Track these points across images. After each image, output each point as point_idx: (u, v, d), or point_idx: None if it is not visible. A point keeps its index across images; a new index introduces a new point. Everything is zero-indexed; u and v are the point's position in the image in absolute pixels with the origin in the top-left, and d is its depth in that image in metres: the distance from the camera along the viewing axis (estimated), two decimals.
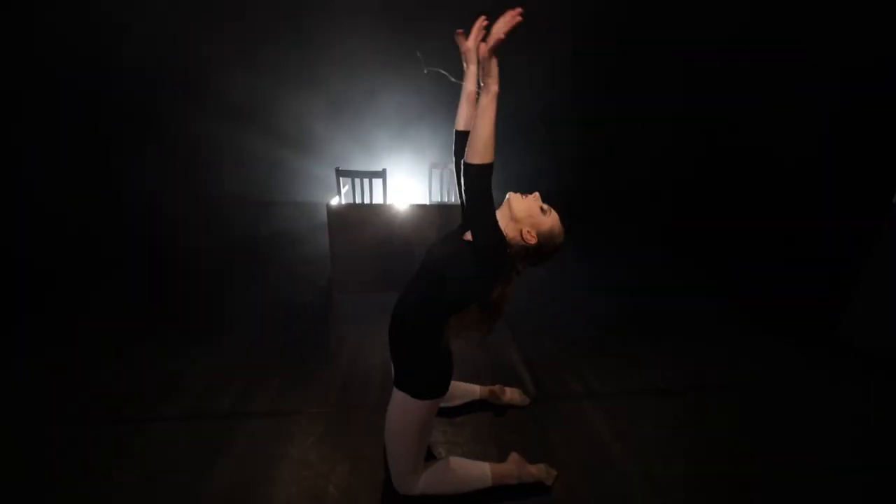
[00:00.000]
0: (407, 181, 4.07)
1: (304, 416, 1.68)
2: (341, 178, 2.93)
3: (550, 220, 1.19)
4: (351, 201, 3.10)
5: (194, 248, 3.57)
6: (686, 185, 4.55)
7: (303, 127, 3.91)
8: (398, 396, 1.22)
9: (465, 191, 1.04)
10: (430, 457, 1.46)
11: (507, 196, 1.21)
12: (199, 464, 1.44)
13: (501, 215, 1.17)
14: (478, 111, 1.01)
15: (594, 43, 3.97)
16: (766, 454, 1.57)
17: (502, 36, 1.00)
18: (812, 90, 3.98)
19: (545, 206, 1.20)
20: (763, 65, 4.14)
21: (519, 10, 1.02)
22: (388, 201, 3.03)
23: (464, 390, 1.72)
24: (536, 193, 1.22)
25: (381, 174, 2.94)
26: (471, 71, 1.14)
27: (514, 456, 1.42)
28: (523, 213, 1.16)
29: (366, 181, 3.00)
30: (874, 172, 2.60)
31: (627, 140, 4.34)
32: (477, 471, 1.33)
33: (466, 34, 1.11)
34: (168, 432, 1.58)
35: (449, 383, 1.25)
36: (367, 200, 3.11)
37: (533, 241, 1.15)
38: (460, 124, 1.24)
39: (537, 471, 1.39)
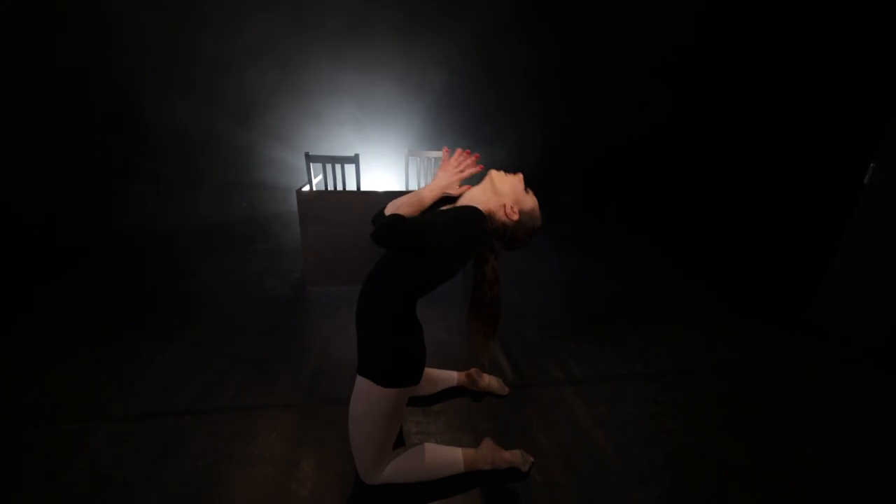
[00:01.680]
0: (381, 169, 3.96)
1: (269, 412, 1.57)
2: (311, 164, 2.80)
3: (532, 200, 1.21)
4: (322, 188, 2.98)
5: (162, 237, 3.38)
6: (662, 176, 4.59)
7: (275, 112, 3.75)
8: (363, 384, 1.13)
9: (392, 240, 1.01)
10: (402, 444, 1.37)
11: (490, 173, 1.21)
12: (151, 466, 1.32)
13: (483, 190, 1.18)
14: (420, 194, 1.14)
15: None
16: (746, 437, 1.55)
17: (473, 170, 1.21)
18: (783, 82, 4.04)
19: (528, 188, 1.21)
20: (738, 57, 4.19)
21: (476, 156, 1.22)
22: (362, 189, 2.92)
23: (438, 377, 1.64)
24: (520, 174, 1.22)
25: (354, 159, 2.82)
26: (437, 185, 1.18)
27: (487, 441, 1.35)
28: (508, 189, 1.17)
29: (338, 167, 2.87)
30: (844, 155, 2.63)
31: (603, 132, 4.34)
32: (449, 457, 1.26)
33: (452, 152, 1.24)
34: (118, 433, 1.45)
35: (421, 371, 1.17)
36: (339, 188, 2.99)
37: (515, 217, 1.15)
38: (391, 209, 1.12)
39: (512, 456, 1.32)
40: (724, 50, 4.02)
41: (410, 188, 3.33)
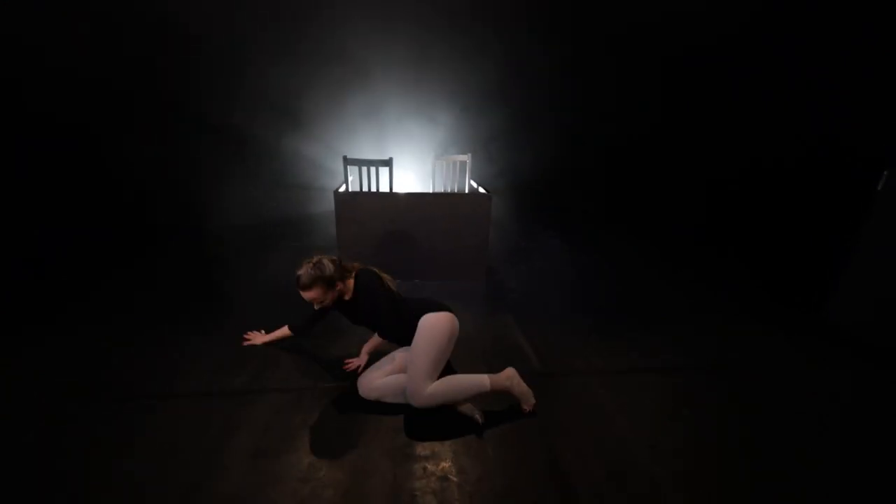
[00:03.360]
0: (408, 172, 4.13)
1: (319, 391, 1.74)
2: (349, 166, 2.98)
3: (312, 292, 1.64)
4: (357, 189, 3.15)
5: (203, 235, 3.60)
6: (668, 177, 4.67)
7: (313, 116, 3.96)
8: (424, 322, 1.61)
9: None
10: None
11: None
12: (220, 436, 1.49)
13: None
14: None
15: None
16: (756, 429, 1.66)
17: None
18: (800, 86, 4.09)
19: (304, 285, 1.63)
20: (752, 60, 4.25)
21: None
22: (394, 190, 3.09)
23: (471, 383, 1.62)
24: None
25: (388, 163, 2.99)
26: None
27: (509, 370, 1.66)
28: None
29: (372, 169, 3.05)
30: (860, 161, 2.72)
31: (612, 134, 4.45)
32: (477, 379, 1.61)
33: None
34: (185, 408, 1.63)
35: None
36: (373, 189, 3.16)
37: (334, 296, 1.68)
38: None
39: (527, 388, 1.63)
40: (729, 50, 4.10)
41: (436, 189, 3.49)
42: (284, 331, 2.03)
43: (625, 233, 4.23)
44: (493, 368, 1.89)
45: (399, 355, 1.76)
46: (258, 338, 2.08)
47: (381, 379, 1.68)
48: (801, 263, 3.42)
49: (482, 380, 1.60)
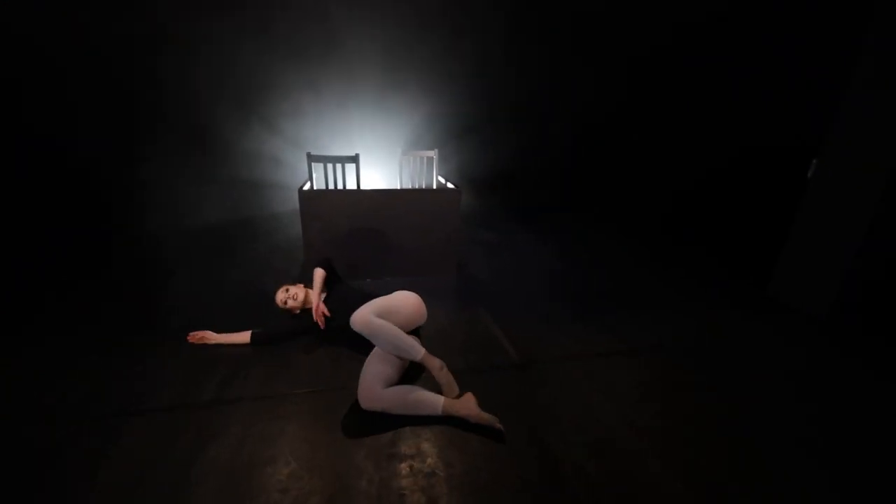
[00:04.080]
0: (375, 169, 4.05)
1: (296, 397, 1.67)
2: (313, 163, 2.87)
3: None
4: (323, 187, 3.05)
5: (160, 236, 3.34)
6: (641, 170, 4.92)
7: (276, 111, 3.76)
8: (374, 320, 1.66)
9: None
10: None
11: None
12: (195, 449, 1.39)
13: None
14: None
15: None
16: (724, 398, 1.78)
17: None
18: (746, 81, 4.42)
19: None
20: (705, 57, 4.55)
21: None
22: (361, 187, 3.02)
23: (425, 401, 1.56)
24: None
25: (355, 159, 2.91)
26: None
27: (469, 395, 1.58)
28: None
29: (338, 166, 2.95)
30: (793, 152, 2.99)
31: (580, 130, 4.61)
32: (431, 399, 1.54)
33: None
34: (153, 424, 1.50)
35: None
36: (339, 186, 3.07)
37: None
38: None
39: (487, 417, 1.49)
40: (685, 48, 4.37)
41: (403, 186, 3.45)
42: (243, 336, 1.98)
43: (592, 222, 4.40)
44: (469, 362, 1.90)
45: (384, 357, 1.66)
46: (210, 336, 1.99)
47: (384, 389, 1.56)
48: (750, 246, 3.71)
49: (436, 402, 1.52)
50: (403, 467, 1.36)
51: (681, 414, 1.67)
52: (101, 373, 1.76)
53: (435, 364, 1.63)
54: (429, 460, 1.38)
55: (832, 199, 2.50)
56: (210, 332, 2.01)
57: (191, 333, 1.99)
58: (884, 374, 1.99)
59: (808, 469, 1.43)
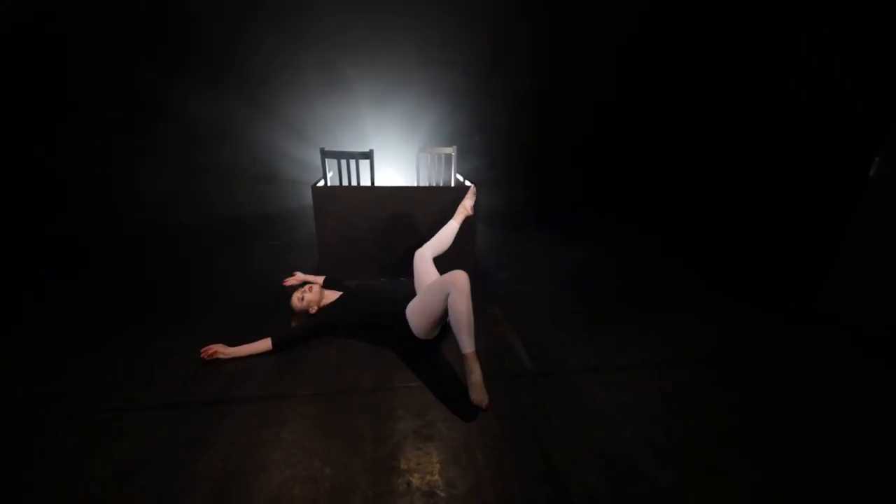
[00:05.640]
0: (392, 166, 3.98)
1: (297, 400, 1.60)
2: (326, 159, 2.82)
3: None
4: (337, 183, 3.00)
5: (177, 233, 3.41)
6: (665, 171, 4.62)
7: (290, 107, 3.76)
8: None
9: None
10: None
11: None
12: (184, 453, 1.35)
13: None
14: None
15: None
16: (751, 418, 1.59)
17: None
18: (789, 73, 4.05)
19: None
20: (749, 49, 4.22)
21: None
22: (376, 184, 2.95)
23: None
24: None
25: (369, 155, 2.84)
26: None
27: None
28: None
29: (352, 162, 2.90)
30: (851, 148, 2.69)
31: (607, 131, 4.38)
32: (448, 228, 2.32)
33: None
34: (151, 422, 1.48)
35: None
36: (353, 182, 3.01)
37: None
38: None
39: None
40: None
41: (421, 184, 3.36)
42: (262, 345, 1.87)
43: (614, 225, 4.17)
44: (482, 368, 1.78)
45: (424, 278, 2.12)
46: (224, 351, 1.82)
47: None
48: (792, 252, 3.39)
49: (451, 226, 2.29)
50: (401, 483, 1.26)
51: (710, 439, 1.49)
52: (101, 370, 1.76)
53: (475, 368, 1.62)
54: (428, 477, 1.28)
55: None
56: (222, 346, 1.83)
57: (203, 349, 1.81)
58: None
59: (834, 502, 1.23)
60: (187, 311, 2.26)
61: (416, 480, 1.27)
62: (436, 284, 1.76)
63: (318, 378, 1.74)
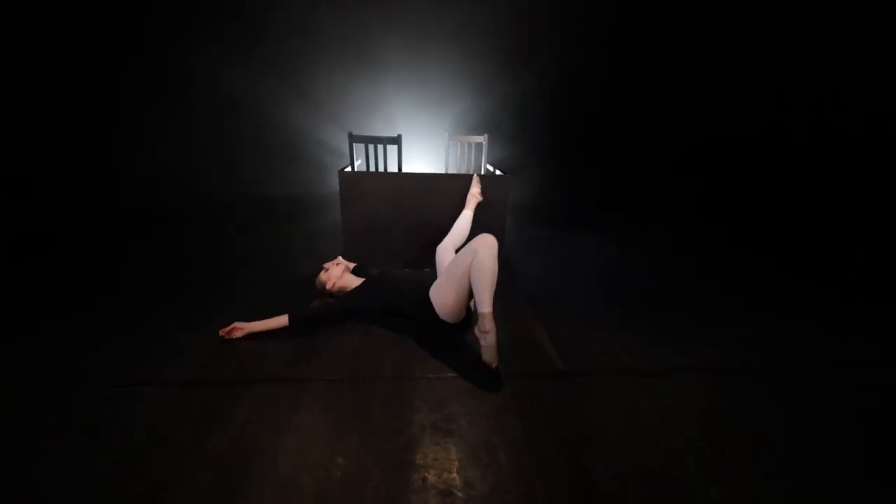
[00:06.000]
0: (420, 153, 3.91)
1: (314, 385, 1.54)
2: (354, 144, 2.77)
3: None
4: (364, 169, 2.95)
5: (203, 213, 3.48)
6: (711, 173, 4.32)
7: (320, 92, 3.77)
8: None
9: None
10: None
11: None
12: (199, 430, 1.31)
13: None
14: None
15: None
16: (803, 433, 1.39)
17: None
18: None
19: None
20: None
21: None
22: (403, 170, 2.88)
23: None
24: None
25: (397, 140, 2.77)
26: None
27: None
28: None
29: (379, 147, 2.84)
30: None
31: (649, 128, 4.13)
32: (464, 219, 2.33)
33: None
34: (169, 398, 1.46)
35: None
36: (380, 168, 2.95)
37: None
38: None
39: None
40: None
41: (449, 171, 3.26)
42: (279, 321, 1.83)
43: (652, 221, 3.91)
44: (508, 366, 1.67)
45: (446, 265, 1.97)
46: (240, 327, 1.78)
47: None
48: (848, 250, 3.05)
49: (466, 214, 2.30)
50: (416, 479, 1.17)
51: (767, 453, 1.30)
52: (125, 347, 1.76)
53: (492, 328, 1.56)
54: (445, 475, 1.18)
55: None
56: (239, 323, 1.79)
57: (221, 330, 1.79)
58: None
59: None
60: (209, 297, 2.23)
61: (431, 477, 1.17)
62: (463, 251, 1.70)
63: (336, 364, 1.68)
